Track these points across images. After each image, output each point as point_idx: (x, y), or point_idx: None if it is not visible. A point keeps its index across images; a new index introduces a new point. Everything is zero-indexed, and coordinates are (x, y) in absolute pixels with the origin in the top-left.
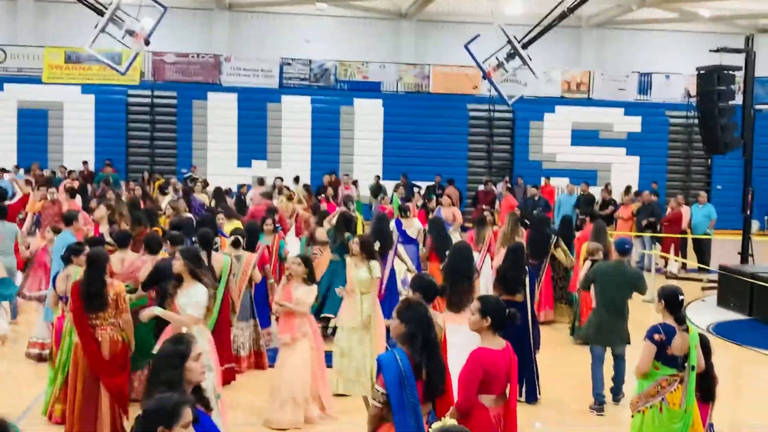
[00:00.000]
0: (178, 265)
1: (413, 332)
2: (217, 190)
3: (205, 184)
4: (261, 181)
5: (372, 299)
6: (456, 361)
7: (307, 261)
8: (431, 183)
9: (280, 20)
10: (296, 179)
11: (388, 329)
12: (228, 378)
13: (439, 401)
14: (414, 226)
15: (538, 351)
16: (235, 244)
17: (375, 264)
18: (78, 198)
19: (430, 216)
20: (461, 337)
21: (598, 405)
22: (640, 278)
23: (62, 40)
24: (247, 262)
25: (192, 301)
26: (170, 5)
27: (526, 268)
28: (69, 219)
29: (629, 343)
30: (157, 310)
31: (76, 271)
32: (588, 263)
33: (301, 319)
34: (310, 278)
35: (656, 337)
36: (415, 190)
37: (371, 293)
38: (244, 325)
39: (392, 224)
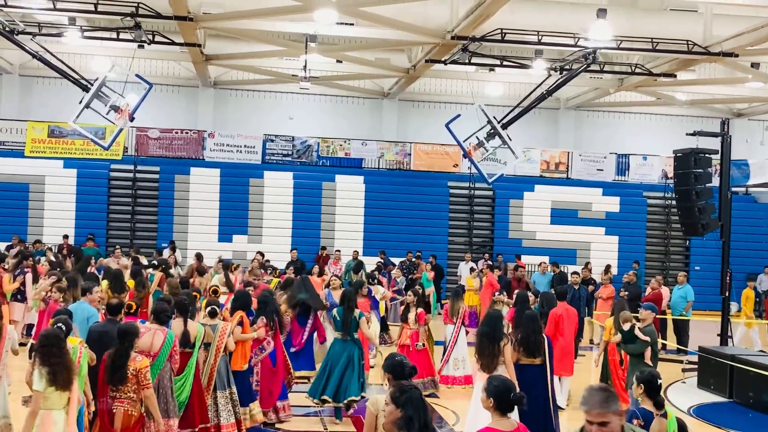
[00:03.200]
0: None
1: (410, 416)
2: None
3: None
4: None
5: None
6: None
7: None
8: (414, 259)
9: (263, 98)
10: (173, 248)
11: None
12: None
13: None
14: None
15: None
16: (212, 314)
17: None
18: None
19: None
20: None
21: None
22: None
23: (46, 115)
24: (222, 332)
25: None
26: (156, 82)
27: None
28: (85, 290)
29: None
30: None
31: (74, 349)
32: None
33: None
34: None
35: (635, 422)
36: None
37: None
38: (224, 393)
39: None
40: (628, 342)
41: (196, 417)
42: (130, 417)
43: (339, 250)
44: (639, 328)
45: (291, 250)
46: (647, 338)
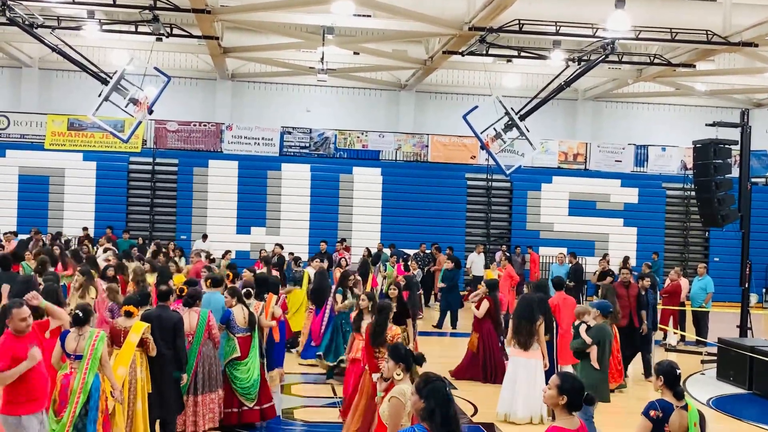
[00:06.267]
0: None
1: (432, 408)
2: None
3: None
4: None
5: None
6: (522, 391)
7: None
8: (429, 251)
9: (281, 90)
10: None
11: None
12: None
13: None
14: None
15: None
16: (247, 296)
17: None
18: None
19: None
20: (526, 369)
21: None
22: None
23: (66, 108)
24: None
25: None
26: (174, 75)
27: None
28: (219, 281)
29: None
30: None
31: (91, 332)
32: (584, 326)
33: None
34: None
35: (652, 413)
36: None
37: None
38: None
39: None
40: (573, 337)
41: (267, 394)
42: None
43: (344, 240)
44: (587, 326)
45: (320, 242)
46: (588, 338)
